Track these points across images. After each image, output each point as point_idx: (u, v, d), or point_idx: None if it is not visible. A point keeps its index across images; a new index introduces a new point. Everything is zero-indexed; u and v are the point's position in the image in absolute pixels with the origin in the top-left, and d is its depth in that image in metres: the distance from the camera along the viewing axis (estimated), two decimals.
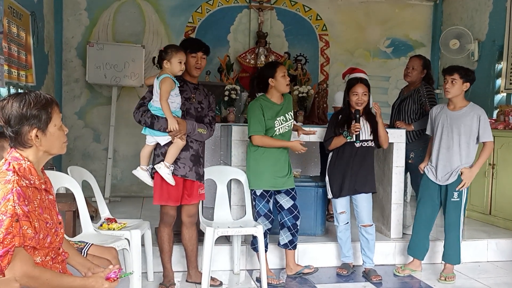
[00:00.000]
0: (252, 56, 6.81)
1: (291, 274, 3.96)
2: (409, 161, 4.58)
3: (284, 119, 3.74)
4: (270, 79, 3.68)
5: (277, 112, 3.72)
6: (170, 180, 3.41)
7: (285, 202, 3.82)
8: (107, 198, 6.13)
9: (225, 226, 3.66)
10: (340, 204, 3.99)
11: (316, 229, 4.52)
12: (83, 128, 6.68)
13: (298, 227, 3.87)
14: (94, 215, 4.42)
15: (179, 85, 3.46)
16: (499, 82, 6.26)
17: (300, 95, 6.41)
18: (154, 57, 3.51)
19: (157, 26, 6.84)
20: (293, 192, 3.84)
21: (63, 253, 2.12)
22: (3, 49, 4.24)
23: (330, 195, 4.03)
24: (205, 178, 3.68)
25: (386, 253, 4.39)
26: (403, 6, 7.52)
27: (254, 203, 3.81)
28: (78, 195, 3.30)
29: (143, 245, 3.63)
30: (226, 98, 6.15)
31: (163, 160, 3.43)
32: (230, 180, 4.03)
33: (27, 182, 1.90)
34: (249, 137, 3.71)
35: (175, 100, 3.42)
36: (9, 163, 1.92)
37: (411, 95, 4.67)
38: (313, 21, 7.28)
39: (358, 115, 3.82)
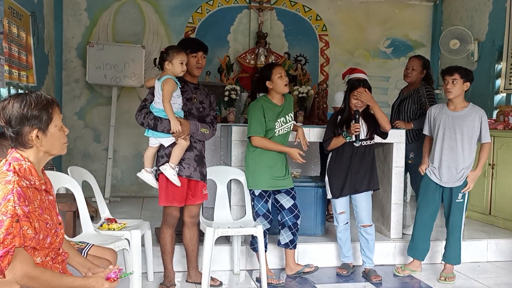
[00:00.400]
0: (252, 56, 6.81)
1: (291, 274, 3.96)
2: (409, 161, 4.59)
3: (285, 121, 3.75)
4: (267, 82, 3.69)
5: (278, 113, 3.73)
6: (176, 181, 3.41)
7: (286, 201, 3.82)
8: (107, 198, 6.14)
9: (225, 226, 3.66)
10: (340, 204, 3.99)
11: (316, 229, 4.52)
12: (83, 128, 6.69)
13: (299, 227, 3.87)
14: (94, 215, 4.42)
15: (180, 86, 3.47)
16: (499, 82, 6.27)
17: (300, 95, 6.41)
18: (155, 58, 3.50)
19: (157, 27, 6.84)
20: (293, 192, 3.85)
21: (63, 253, 2.13)
22: (4, 50, 4.24)
23: (329, 196, 4.03)
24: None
25: (386, 253, 4.40)
26: (403, 6, 7.52)
27: (252, 203, 3.82)
28: (78, 195, 3.30)
29: (143, 245, 3.63)
30: (226, 99, 6.15)
31: (167, 161, 3.43)
32: (230, 180, 4.04)
33: (27, 182, 1.91)
34: (249, 138, 3.72)
35: (177, 101, 3.42)
36: (10, 163, 1.92)
37: (410, 95, 4.68)
38: (313, 22, 7.28)
39: (358, 116, 3.83)
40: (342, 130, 3.91)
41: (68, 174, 3.36)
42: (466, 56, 6.61)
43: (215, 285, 3.71)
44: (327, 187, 4.03)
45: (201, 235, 3.70)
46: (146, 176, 3.57)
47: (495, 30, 6.34)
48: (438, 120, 3.94)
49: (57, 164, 5.86)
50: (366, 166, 3.93)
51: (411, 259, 4.13)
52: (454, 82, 3.81)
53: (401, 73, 4.98)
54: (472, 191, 5.43)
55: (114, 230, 3.44)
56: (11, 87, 4.67)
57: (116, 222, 3.54)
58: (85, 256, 2.43)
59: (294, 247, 3.92)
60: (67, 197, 3.66)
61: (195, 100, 3.56)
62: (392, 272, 4.15)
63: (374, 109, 3.88)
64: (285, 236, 3.88)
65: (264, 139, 3.67)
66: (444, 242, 4.05)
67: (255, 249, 3.77)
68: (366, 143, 3.93)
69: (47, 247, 1.97)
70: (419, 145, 4.48)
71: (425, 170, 4.00)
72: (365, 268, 4.03)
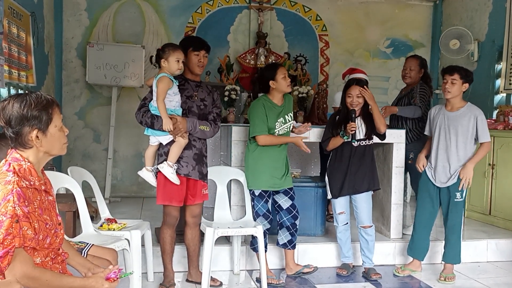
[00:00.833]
0: (252, 56, 6.81)
1: (291, 274, 3.96)
2: (409, 162, 4.59)
3: (284, 121, 3.75)
4: (271, 81, 3.68)
5: (278, 113, 3.73)
6: (174, 179, 3.40)
7: (284, 202, 3.82)
8: (107, 198, 6.14)
9: (225, 227, 3.66)
10: (339, 205, 3.99)
11: (316, 229, 4.52)
12: (83, 128, 6.68)
13: (297, 227, 3.87)
14: (94, 216, 4.42)
15: (178, 83, 3.45)
16: (499, 82, 6.27)
17: (300, 95, 6.41)
18: (151, 56, 3.49)
19: (157, 27, 6.84)
20: (291, 192, 3.84)
21: (63, 254, 2.13)
22: (3, 50, 4.24)
23: (329, 196, 4.03)
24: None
25: (386, 253, 4.40)
26: (403, 6, 7.53)
27: (252, 203, 3.82)
28: (78, 195, 3.30)
29: (143, 245, 3.63)
30: (226, 99, 6.15)
31: (166, 160, 3.43)
32: (230, 180, 4.04)
33: (27, 183, 1.91)
34: (253, 137, 3.71)
35: (173, 99, 3.41)
36: (10, 164, 1.92)
37: (407, 94, 4.73)
38: (313, 22, 7.28)
39: (353, 115, 3.83)
40: (340, 130, 3.91)
41: (68, 174, 3.36)
42: (466, 56, 6.61)
43: (215, 285, 3.71)
44: (328, 187, 4.03)
45: (201, 235, 3.70)
46: (147, 174, 3.57)
47: (495, 30, 6.34)
48: (436, 120, 3.95)
49: (57, 164, 5.86)
50: (366, 166, 3.93)
51: (411, 259, 4.13)
52: (453, 82, 3.81)
53: (401, 73, 4.98)
54: (472, 191, 5.47)
55: (114, 230, 3.44)
56: (10, 87, 4.67)
57: (116, 222, 3.54)
58: (85, 256, 2.43)
59: (293, 247, 3.92)
60: (67, 197, 3.66)
61: (196, 97, 3.55)
62: (392, 272, 4.15)
63: (373, 109, 3.88)
64: (283, 237, 3.88)
65: (269, 136, 3.68)
66: (443, 242, 4.05)
67: (255, 249, 3.78)
68: (365, 143, 3.93)
69: (46, 247, 1.97)
70: (419, 145, 4.48)
71: (422, 166, 4.00)
72: (364, 268, 4.03)
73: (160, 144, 3.49)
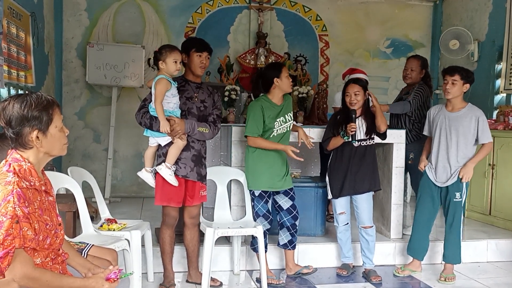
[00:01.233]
0: (252, 56, 6.81)
1: (291, 274, 3.96)
2: (409, 162, 4.59)
3: (284, 120, 3.75)
4: (275, 79, 3.68)
5: (277, 113, 3.73)
6: (173, 180, 3.40)
7: (284, 202, 3.82)
8: (107, 198, 6.14)
9: (225, 227, 3.67)
10: (340, 205, 3.99)
11: (316, 229, 4.52)
12: (83, 128, 6.68)
13: (297, 227, 3.87)
14: (94, 216, 4.42)
15: (177, 85, 3.46)
16: (499, 82, 6.27)
17: (300, 95, 6.41)
18: (149, 59, 3.50)
19: (157, 27, 6.84)
20: (291, 193, 3.84)
21: (63, 254, 2.13)
22: (3, 50, 4.24)
23: (330, 196, 4.03)
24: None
25: (386, 253, 4.40)
26: (403, 7, 7.52)
27: (252, 203, 3.82)
28: (78, 195, 3.30)
29: (143, 245, 3.63)
30: (226, 99, 6.14)
31: (164, 161, 3.43)
32: (230, 180, 4.04)
33: (27, 183, 1.91)
34: (245, 136, 3.72)
35: (172, 101, 3.40)
36: (10, 164, 1.92)
37: (407, 94, 4.73)
38: (313, 22, 7.28)
39: (354, 115, 3.83)
40: (341, 130, 3.91)
41: (68, 175, 3.36)
42: (466, 56, 6.61)
43: (215, 285, 3.71)
44: (328, 187, 4.03)
45: (201, 235, 3.70)
46: (146, 175, 3.58)
47: (495, 30, 6.34)
48: (436, 120, 3.95)
49: (57, 164, 5.86)
50: (367, 167, 3.93)
51: (411, 259, 4.12)
52: (454, 83, 3.81)
53: (401, 73, 4.98)
54: (472, 191, 5.47)
55: (114, 230, 3.44)
56: (10, 88, 4.67)
57: (116, 222, 3.54)
58: (85, 256, 2.43)
59: (293, 247, 3.92)
60: (67, 197, 3.66)
61: (196, 99, 3.55)
62: (392, 272, 4.15)
63: (376, 110, 3.88)
64: (283, 237, 3.88)
65: (258, 139, 3.66)
66: (443, 242, 4.05)
67: (255, 249, 3.78)
68: (366, 143, 3.93)
69: (47, 248, 1.97)
70: (419, 146, 4.48)
71: (424, 167, 4.00)
72: (365, 269, 4.03)
73: (159, 145, 3.49)
